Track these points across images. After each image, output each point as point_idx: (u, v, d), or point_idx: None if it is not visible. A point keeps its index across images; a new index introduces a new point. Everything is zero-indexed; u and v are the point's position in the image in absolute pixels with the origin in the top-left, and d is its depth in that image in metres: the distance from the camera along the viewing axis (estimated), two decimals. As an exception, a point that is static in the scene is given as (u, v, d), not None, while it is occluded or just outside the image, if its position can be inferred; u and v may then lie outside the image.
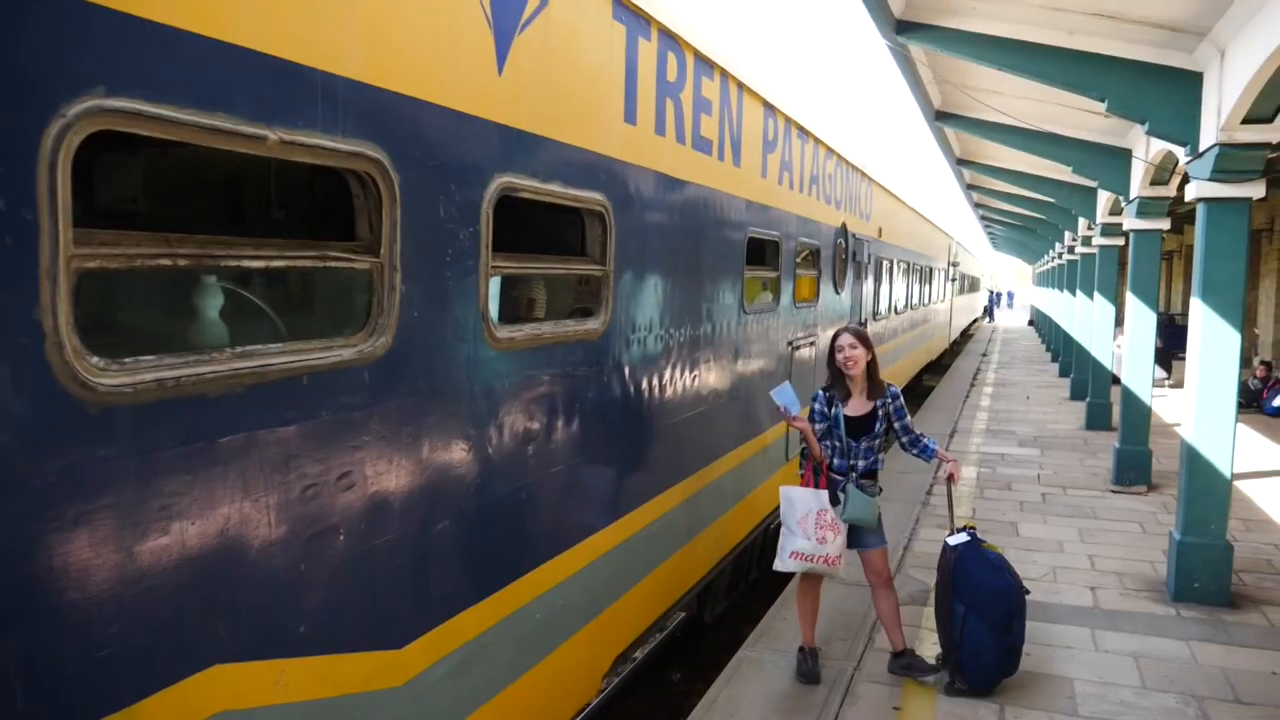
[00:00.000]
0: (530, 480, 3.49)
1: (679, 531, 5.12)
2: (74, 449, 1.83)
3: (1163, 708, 4.62)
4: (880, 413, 4.74)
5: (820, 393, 4.80)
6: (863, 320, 10.53)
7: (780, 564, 4.78)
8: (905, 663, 4.91)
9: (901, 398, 4.89)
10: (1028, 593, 4.79)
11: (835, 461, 4.73)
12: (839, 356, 4.72)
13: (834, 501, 4.66)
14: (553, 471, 3.65)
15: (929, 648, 5.16)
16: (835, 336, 4.80)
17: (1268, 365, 15.88)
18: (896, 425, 4.87)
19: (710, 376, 5.46)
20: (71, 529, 1.82)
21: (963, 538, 4.80)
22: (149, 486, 1.97)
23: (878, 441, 4.76)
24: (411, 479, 2.79)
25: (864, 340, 4.75)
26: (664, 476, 4.87)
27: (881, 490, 4.88)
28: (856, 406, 4.72)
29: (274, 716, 2.33)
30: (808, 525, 4.66)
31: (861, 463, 4.71)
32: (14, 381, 1.72)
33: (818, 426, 4.72)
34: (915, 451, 4.90)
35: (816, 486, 4.71)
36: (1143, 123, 6.47)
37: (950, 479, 4.91)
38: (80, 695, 1.88)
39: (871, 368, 4.76)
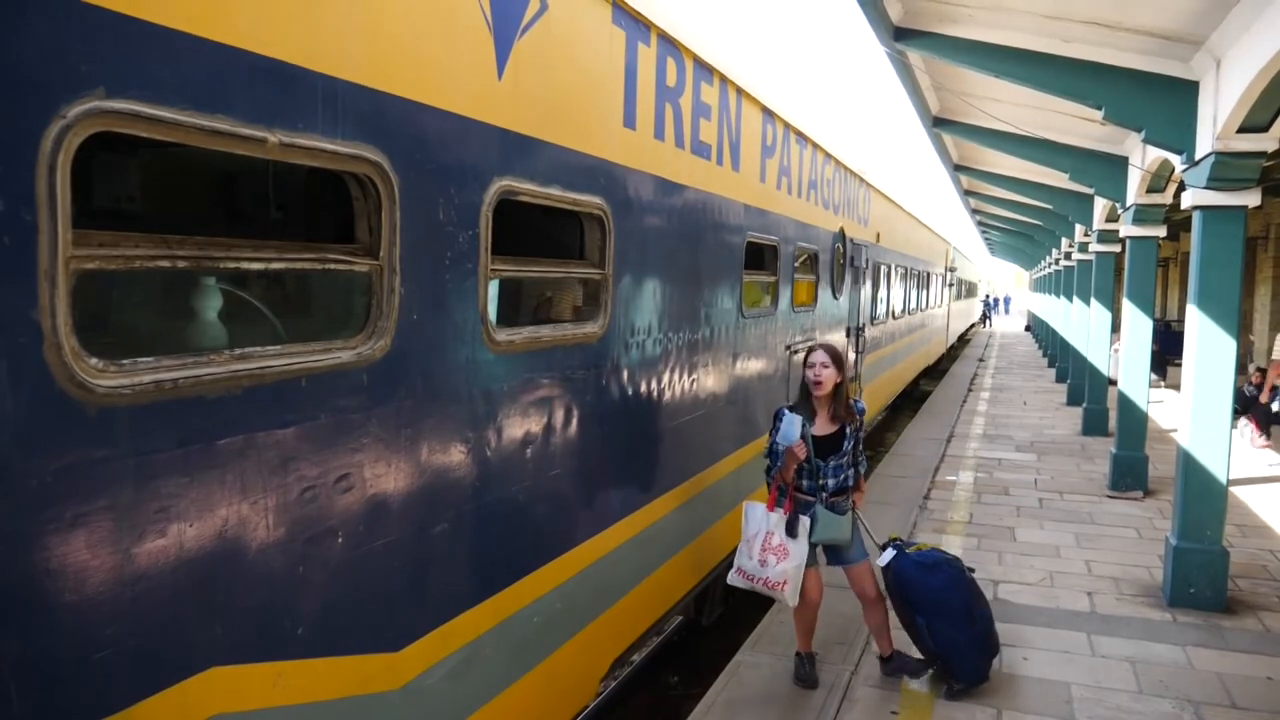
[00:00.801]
0: (528, 483, 3.49)
1: (677, 535, 5.12)
2: (72, 450, 1.83)
3: (1159, 713, 4.63)
4: (848, 431, 4.70)
5: (785, 411, 4.69)
6: (860, 324, 10.54)
7: (729, 577, 4.80)
8: (895, 666, 4.92)
9: (865, 414, 4.89)
10: (972, 570, 4.84)
11: (804, 483, 4.66)
12: (808, 373, 4.65)
13: (792, 532, 4.57)
14: (551, 474, 3.65)
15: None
16: (809, 352, 4.73)
17: (1263, 372, 15.90)
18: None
19: (709, 380, 5.46)
20: (69, 530, 1.82)
21: (889, 554, 4.81)
22: (147, 488, 1.97)
23: (846, 459, 4.69)
24: (409, 481, 2.79)
25: (836, 360, 4.68)
26: (662, 480, 4.87)
27: (854, 504, 4.84)
28: (823, 426, 4.67)
29: (271, 718, 2.33)
30: (754, 545, 4.65)
31: (831, 482, 4.66)
32: (12, 382, 1.72)
33: (780, 446, 4.60)
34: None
35: (781, 508, 4.64)
36: (1139, 131, 6.49)
37: (853, 505, 4.86)
38: (78, 697, 1.88)
39: (840, 389, 4.68)
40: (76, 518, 1.83)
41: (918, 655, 4.96)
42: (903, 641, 5.07)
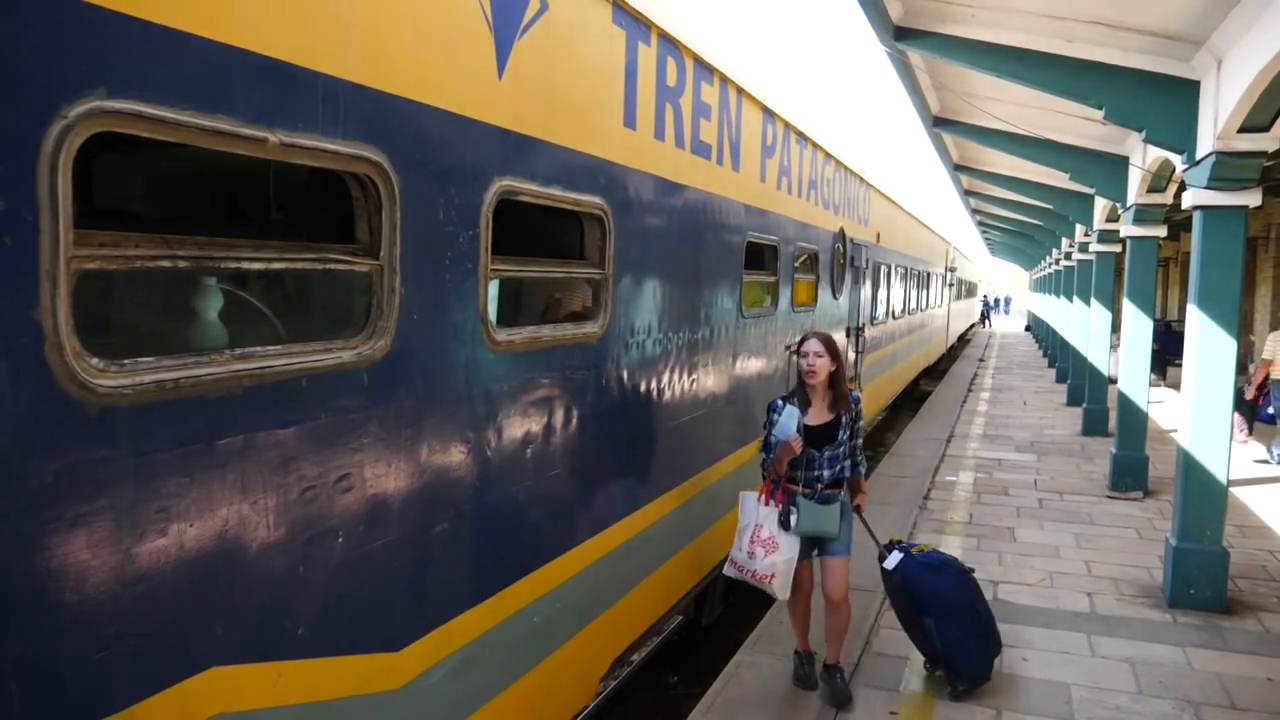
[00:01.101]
0: (528, 483, 3.49)
1: (677, 535, 5.12)
2: (73, 450, 1.83)
3: (1158, 713, 4.63)
4: (844, 420, 4.65)
5: (779, 401, 4.69)
6: (860, 324, 10.54)
7: (724, 567, 4.81)
8: (828, 677, 4.80)
9: (861, 404, 4.76)
10: (972, 570, 4.86)
11: (799, 474, 4.61)
12: (802, 362, 4.61)
13: (785, 525, 4.54)
14: (551, 474, 3.65)
15: (918, 660, 5.12)
16: (802, 340, 4.69)
17: (1263, 372, 15.87)
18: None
19: (708, 380, 5.47)
20: (70, 530, 1.82)
21: (895, 557, 4.79)
22: (147, 488, 1.97)
23: (842, 450, 4.64)
24: (409, 481, 2.79)
25: (830, 349, 4.63)
26: (662, 480, 4.87)
27: (858, 506, 4.80)
28: (817, 415, 4.63)
29: (272, 718, 2.33)
30: (744, 536, 4.65)
31: (826, 473, 4.59)
32: (13, 382, 1.72)
33: (775, 439, 4.57)
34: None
35: (774, 500, 4.63)
36: (1140, 131, 6.49)
37: (857, 509, 4.83)
38: (78, 697, 1.88)
39: (835, 378, 4.64)
40: (77, 517, 1.83)
41: (850, 688, 4.81)
42: (901, 646, 5.08)
